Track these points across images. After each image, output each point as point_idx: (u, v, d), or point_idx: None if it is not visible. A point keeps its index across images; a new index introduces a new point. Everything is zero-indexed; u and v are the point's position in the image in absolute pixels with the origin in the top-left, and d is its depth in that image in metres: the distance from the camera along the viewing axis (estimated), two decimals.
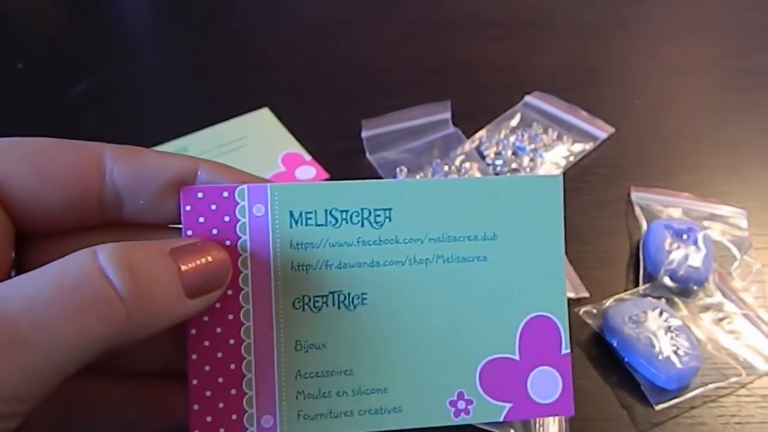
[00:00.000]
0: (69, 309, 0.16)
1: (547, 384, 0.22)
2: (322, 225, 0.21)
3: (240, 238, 0.21)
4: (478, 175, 0.43)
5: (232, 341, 0.21)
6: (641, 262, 0.37)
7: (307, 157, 0.44)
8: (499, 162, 0.44)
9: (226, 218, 0.21)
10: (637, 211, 0.40)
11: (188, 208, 0.21)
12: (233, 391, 0.21)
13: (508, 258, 0.22)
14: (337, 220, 0.21)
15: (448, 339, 0.22)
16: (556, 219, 0.22)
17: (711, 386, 0.32)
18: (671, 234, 0.37)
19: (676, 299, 0.35)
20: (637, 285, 0.37)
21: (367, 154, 0.44)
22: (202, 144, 0.45)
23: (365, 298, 0.21)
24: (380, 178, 0.42)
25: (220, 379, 0.21)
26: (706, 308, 0.35)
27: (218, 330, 0.21)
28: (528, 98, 0.48)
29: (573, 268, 0.37)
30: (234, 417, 0.21)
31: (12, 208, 0.20)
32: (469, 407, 0.22)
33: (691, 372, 0.31)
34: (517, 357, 0.22)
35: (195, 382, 0.21)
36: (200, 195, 0.21)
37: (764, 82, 0.51)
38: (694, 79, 0.52)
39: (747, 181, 0.43)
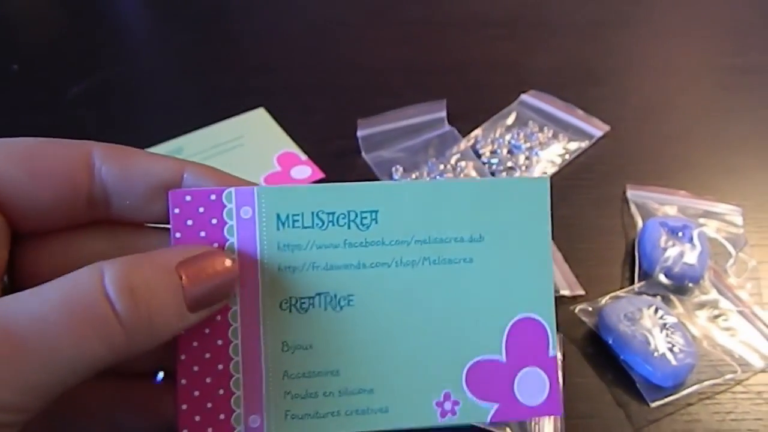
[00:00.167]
0: (72, 330, 0.17)
1: (534, 385, 0.22)
2: (308, 227, 0.21)
3: (227, 240, 0.21)
4: (473, 173, 0.43)
5: (220, 342, 0.21)
6: (637, 260, 0.37)
7: (303, 156, 0.44)
8: (494, 160, 0.44)
9: (214, 221, 0.21)
10: (633, 208, 0.40)
11: (177, 210, 0.21)
12: (221, 391, 0.21)
13: (495, 260, 0.22)
14: (323, 223, 0.21)
15: (435, 340, 0.22)
16: (544, 221, 0.22)
17: (706, 383, 0.32)
18: (667, 231, 0.37)
19: (671, 296, 0.35)
20: (632, 282, 0.37)
21: (363, 154, 0.44)
22: (198, 144, 0.45)
23: (352, 300, 0.22)
24: (376, 177, 0.42)
25: (208, 380, 0.21)
26: (702, 305, 0.35)
27: (206, 331, 0.21)
28: (524, 97, 0.48)
29: (568, 266, 0.37)
30: (222, 416, 0.21)
31: (5, 207, 0.20)
32: (456, 408, 0.22)
33: (686, 369, 0.31)
34: (503, 358, 0.22)
35: (184, 382, 0.21)
36: (188, 198, 0.21)
37: (759, 80, 0.51)
38: (690, 77, 0.52)
39: (742, 178, 0.43)
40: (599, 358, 0.33)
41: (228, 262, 0.20)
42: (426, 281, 0.22)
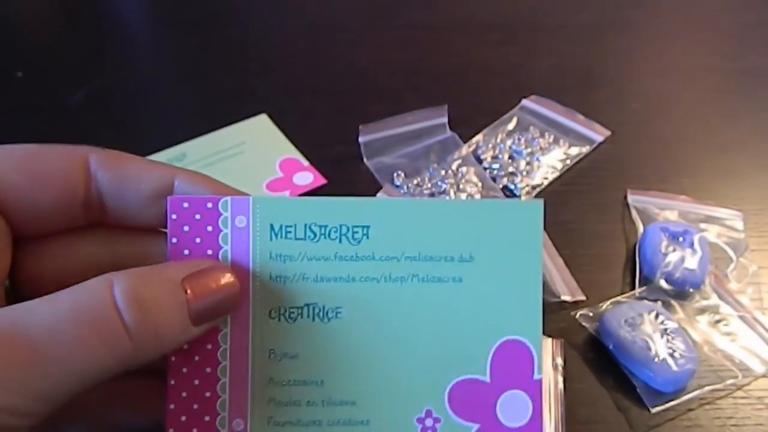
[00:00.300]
0: (83, 339, 0.18)
1: (516, 407, 0.22)
2: (301, 239, 0.22)
3: (221, 247, 0.22)
4: (475, 179, 0.43)
5: (209, 346, 0.22)
6: (637, 265, 0.37)
7: (305, 162, 0.44)
8: (495, 166, 0.44)
9: (209, 228, 0.22)
10: (634, 213, 0.40)
11: (174, 216, 0.22)
12: (207, 394, 0.22)
13: (484, 280, 0.22)
14: (315, 235, 0.22)
15: (420, 357, 0.22)
16: (535, 244, 0.22)
17: (707, 388, 0.32)
18: (667, 236, 0.38)
19: (672, 302, 0.35)
20: (633, 288, 0.37)
21: (365, 160, 0.44)
22: (201, 150, 0.45)
23: (340, 312, 0.22)
24: (378, 183, 0.43)
25: (196, 382, 0.22)
26: (703, 311, 0.35)
27: None
28: (525, 102, 0.48)
29: (569, 271, 0.37)
30: (207, 418, 0.22)
31: (6, 212, 0.21)
32: (437, 425, 0.22)
33: (687, 374, 0.32)
34: (487, 379, 0.22)
35: (173, 383, 0.22)
36: (186, 205, 0.22)
37: (760, 83, 0.51)
38: (691, 81, 0.52)
39: (743, 183, 0.43)
40: (600, 364, 0.33)
41: (231, 278, 0.21)
42: (414, 298, 0.22)
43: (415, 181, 0.43)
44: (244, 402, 0.22)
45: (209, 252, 0.22)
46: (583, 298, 0.36)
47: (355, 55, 0.54)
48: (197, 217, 0.22)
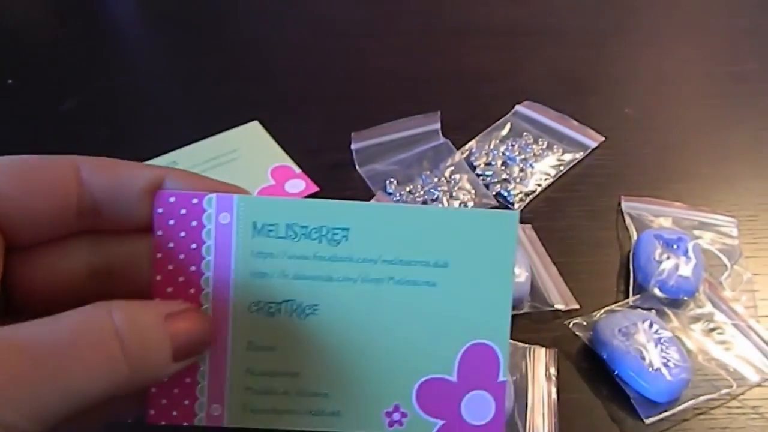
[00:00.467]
0: (83, 361, 0.18)
1: (480, 407, 0.23)
2: (282, 237, 0.23)
3: (205, 242, 0.23)
4: (468, 186, 0.42)
5: None
6: (631, 273, 0.37)
7: (297, 170, 0.44)
8: (489, 173, 0.43)
9: (194, 223, 0.23)
10: (628, 220, 0.40)
11: (160, 210, 0.22)
12: (188, 380, 0.23)
13: (457, 286, 0.23)
14: (296, 235, 0.23)
15: (390, 355, 0.23)
16: (509, 254, 0.23)
17: (702, 398, 0.32)
18: (661, 244, 0.37)
19: (666, 310, 0.35)
20: (627, 296, 0.36)
21: (357, 167, 0.43)
22: (192, 158, 0.45)
23: (316, 309, 0.23)
24: (370, 190, 0.42)
25: None
26: (697, 319, 0.35)
27: None
28: (518, 108, 0.48)
29: (563, 279, 0.37)
30: (186, 402, 0.23)
31: (1, 222, 0.21)
32: (403, 420, 0.23)
33: (681, 384, 0.31)
34: (454, 379, 0.23)
35: None
36: (172, 200, 0.22)
37: (755, 88, 0.51)
38: (685, 86, 0.52)
39: (737, 189, 0.43)
40: (594, 374, 0.33)
41: (205, 320, 0.22)
42: (388, 299, 0.23)
43: (407, 189, 0.42)
44: (222, 389, 0.23)
45: (193, 246, 0.23)
46: (577, 306, 0.36)
47: (347, 61, 0.54)
48: (182, 212, 0.22)
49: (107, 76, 0.53)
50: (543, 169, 0.44)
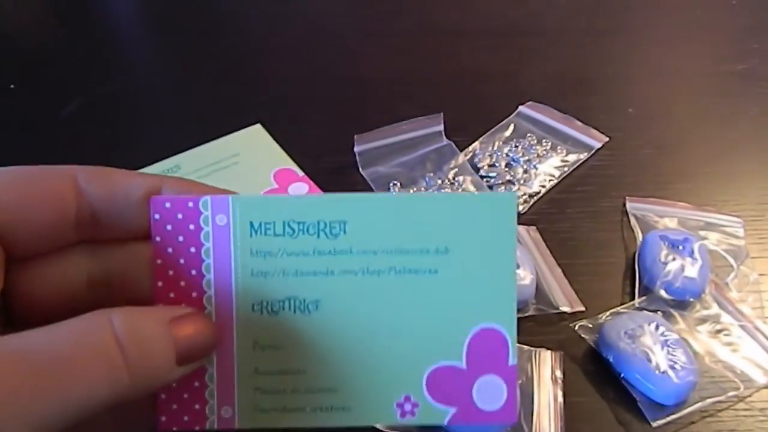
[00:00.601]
0: (84, 369, 0.18)
1: (492, 392, 0.23)
2: (280, 235, 0.23)
3: (203, 245, 0.23)
4: (471, 188, 0.42)
5: None
6: (637, 274, 0.37)
7: (300, 173, 0.44)
8: (492, 174, 0.43)
9: (191, 227, 0.23)
10: (633, 221, 0.40)
11: (157, 216, 0.22)
12: (196, 384, 0.23)
13: (459, 271, 0.23)
14: (294, 231, 0.23)
15: (398, 345, 0.23)
16: (509, 236, 0.23)
17: (709, 401, 0.31)
18: (667, 245, 0.37)
19: (672, 312, 0.35)
20: (633, 297, 0.36)
21: (360, 169, 0.43)
22: (195, 162, 0.45)
23: (319, 305, 0.23)
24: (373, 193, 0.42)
25: None
26: (703, 320, 0.35)
27: None
28: (522, 108, 0.48)
29: (568, 281, 0.37)
30: (197, 406, 0.23)
31: (0, 234, 0.21)
32: (415, 409, 0.23)
33: (688, 387, 0.31)
34: (464, 365, 0.23)
35: None
36: (168, 205, 0.22)
37: (758, 86, 0.50)
38: (688, 85, 0.52)
39: (743, 188, 0.43)
40: (600, 376, 0.33)
41: (210, 323, 0.22)
42: (391, 290, 0.23)
43: (411, 191, 0.42)
44: (231, 391, 0.23)
45: (192, 250, 0.23)
46: (582, 309, 0.35)
47: (349, 64, 0.54)
48: (179, 216, 0.22)
49: (109, 80, 0.53)
50: (547, 170, 0.44)
